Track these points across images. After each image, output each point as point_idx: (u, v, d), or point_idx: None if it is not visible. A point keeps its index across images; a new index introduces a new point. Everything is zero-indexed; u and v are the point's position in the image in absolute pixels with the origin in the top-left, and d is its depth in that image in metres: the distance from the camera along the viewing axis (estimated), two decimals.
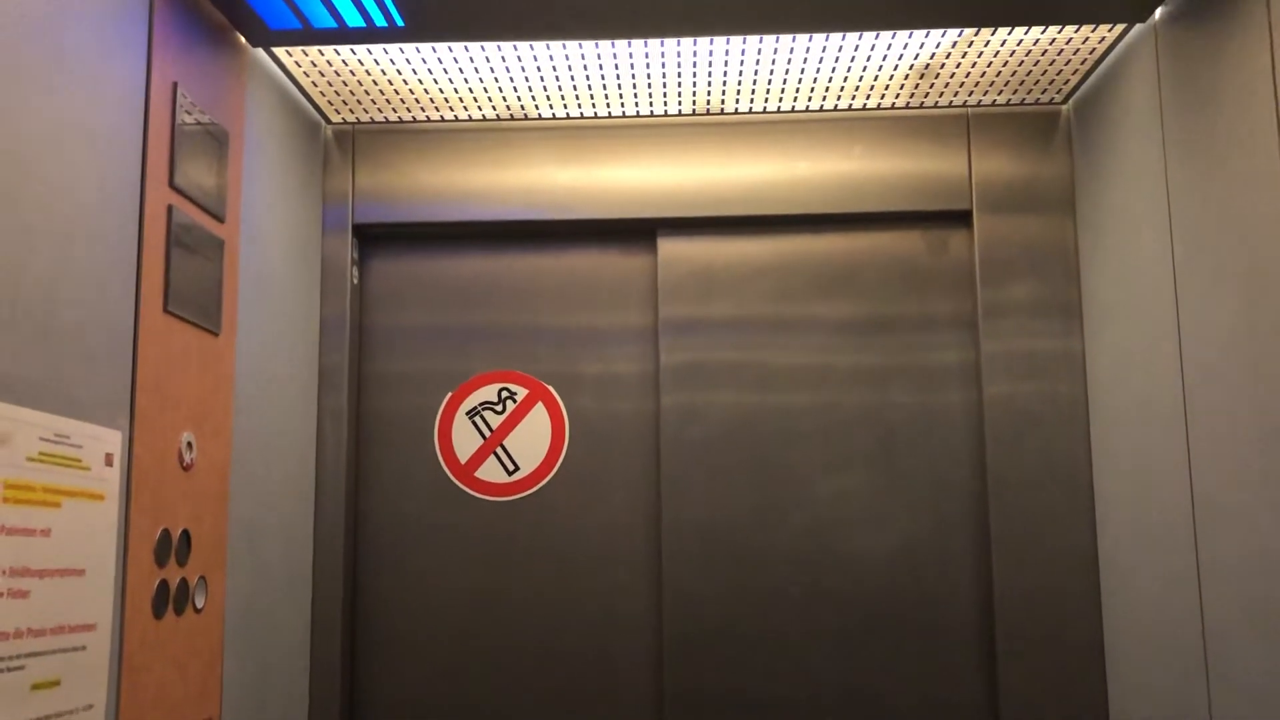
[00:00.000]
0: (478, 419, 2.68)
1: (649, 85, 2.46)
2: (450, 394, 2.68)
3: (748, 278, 2.65)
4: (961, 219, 2.61)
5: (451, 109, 2.58)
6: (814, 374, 2.61)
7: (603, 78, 2.42)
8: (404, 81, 2.43)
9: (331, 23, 2.08)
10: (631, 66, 2.36)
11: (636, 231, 2.68)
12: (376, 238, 2.70)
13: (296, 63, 2.34)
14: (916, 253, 2.65)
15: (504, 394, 2.68)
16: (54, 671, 1.46)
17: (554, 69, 2.37)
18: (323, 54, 2.30)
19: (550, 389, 2.67)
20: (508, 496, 2.64)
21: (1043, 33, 2.24)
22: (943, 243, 2.64)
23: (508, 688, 2.56)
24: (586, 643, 2.57)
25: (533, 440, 2.66)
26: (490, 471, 2.65)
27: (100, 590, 1.59)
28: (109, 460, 1.62)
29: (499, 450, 2.66)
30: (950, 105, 2.59)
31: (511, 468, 2.65)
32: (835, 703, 2.50)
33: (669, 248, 2.67)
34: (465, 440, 2.66)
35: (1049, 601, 2.43)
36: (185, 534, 1.85)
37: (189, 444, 1.87)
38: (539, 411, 2.67)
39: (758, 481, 2.58)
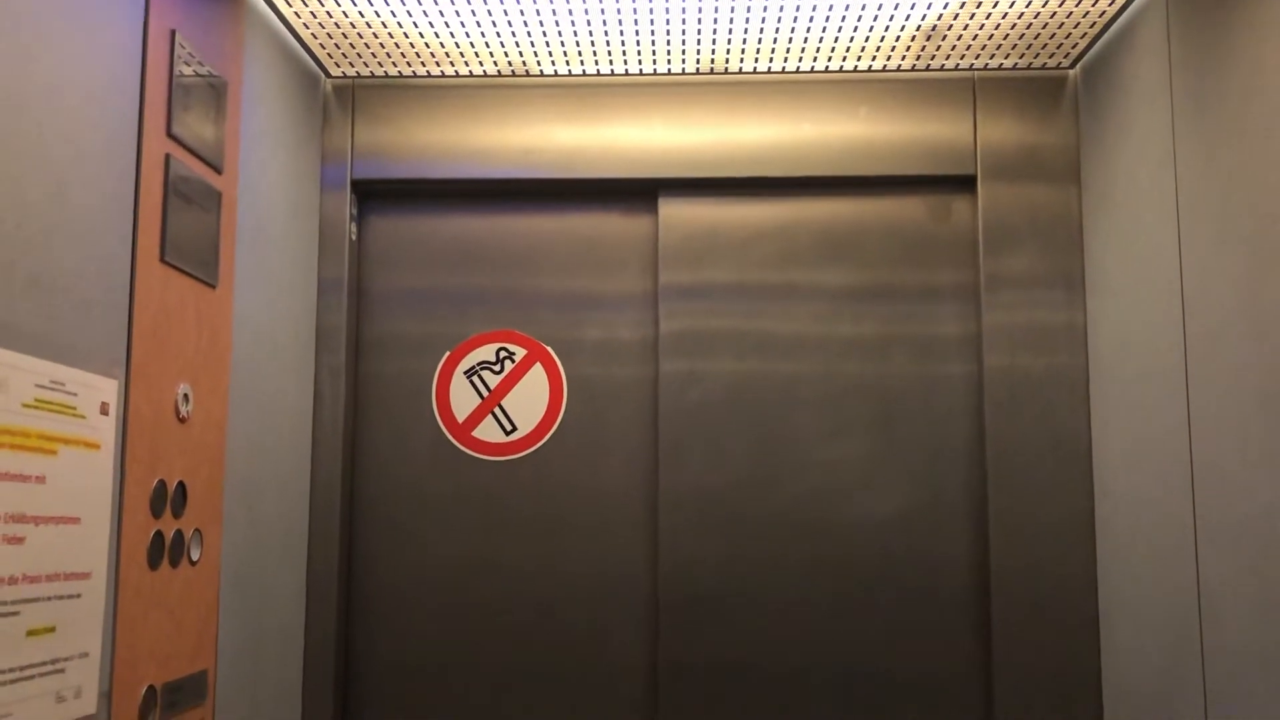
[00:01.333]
0: (475, 378, 2.66)
1: (653, 43, 2.43)
2: (448, 353, 2.67)
3: (749, 241, 2.63)
4: (966, 184, 2.59)
5: (453, 64, 2.55)
6: (814, 341, 2.60)
7: (606, 34, 2.39)
8: (405, 35, 2.40)
9: None
10: (635, 23, 2.33)
11: (638, 192, 2.66)
12: (375, 194, 2.68)
13: (296, 13, 2.31)
14: (920, 218, 2.63)
15: (502, 354, 2.67)
16: (49, 618, 1.46)
17: (557, 24, 2.34)
18: (323, 4, 2.27)
19: (549, 349, 2.66)
20: (505, 456, 2.64)
21: None
22: (946, 208, 2.63)
23: (501, 646, 2.57)
24: (581, 605, 2.58)
25: (531, 400, 2.65)
26: (488, 431, 2.65)
27: (96, 539, 1.58)
28: (104, 409, 1.61)
29: (497, 410, 2.65)
30: (956, 69, 2.57)
31: (509, 427, 2.64)
32: (830, 669, 2.51)
33: (670, 209, 2.65)
34: (463, 399, 2.66)
35: (1045, 571, 2.44)
36: (181, 486, 1.84)
37: (185, 396, 1.86)
38: (537, 372, 2.66)
39: (756, 448, 2.57)
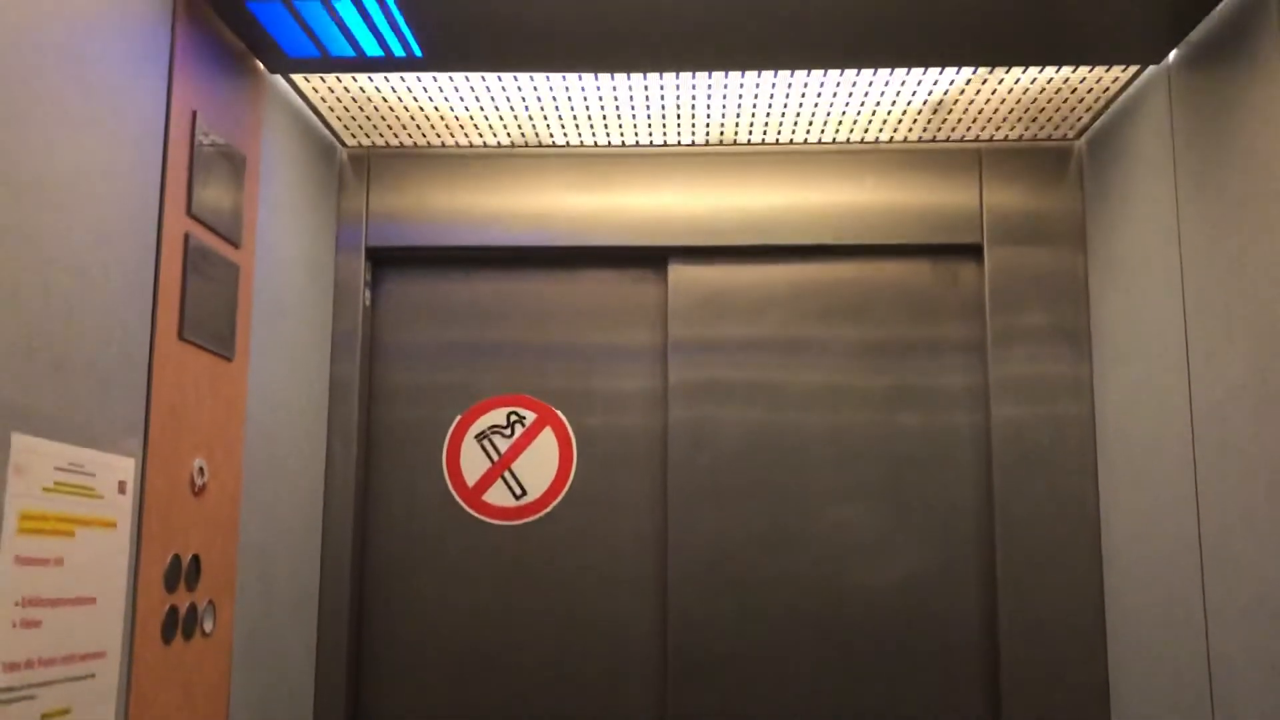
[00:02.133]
0: (486, 442, 2.68)
1: (663, 116, 2.47)
2: (459, 417, 2.69)
3: (758, 305, 2.66)
4: (972, 252, 2.62)
5: (466, 135, 2.59)
6: (823, 399, 2.62)
7: (617, 108, 2.43)
8: (419, 107, 2.45)
9: (350, 51, 2.10)
10: (646, 97, 2.38)
11: (648, 259, 2.69)
12: (390, 261, 2.71)
13: (314, 88, 2.36)
14: (927, 284, 2.65)
15: (512, 418, 2.69)
16: (64, 700, 1.47)
17: (569, 98, 2.39)
18: (339, 79, 2.32)
19: (559, 413, 2.68)
20: (515, 521, 2.65)
21: (1056, 72, 2.25)
22: (953, 275, 2.65)
23: (513, 711, 2.57)
24: (591, 666, 2.58)
25: (540, 464, 2.67)
26: (498, 495, 2.66)
27: (111, 617, 1.60)
28: (122, 488, 1.63)
29: (507, 474, 2.67)
30: (963, 140, 2.60)
31: (519, 492, 2.66)
32: None
33: (680, 274, 2.68)
34: (473, 464, 2.67)
35: (1054, 633, 2.43)
36: (195, 559, 1.86)
37: (201, 469, 1.88)
38: (547, 436, 2.68)
39: (764, 506, 2.58)
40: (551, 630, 2.59)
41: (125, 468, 1.64)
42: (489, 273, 2.73)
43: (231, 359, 2.01)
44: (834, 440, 2.60)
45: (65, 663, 1.47)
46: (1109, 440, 2.43)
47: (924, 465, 2.59)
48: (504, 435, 2.69)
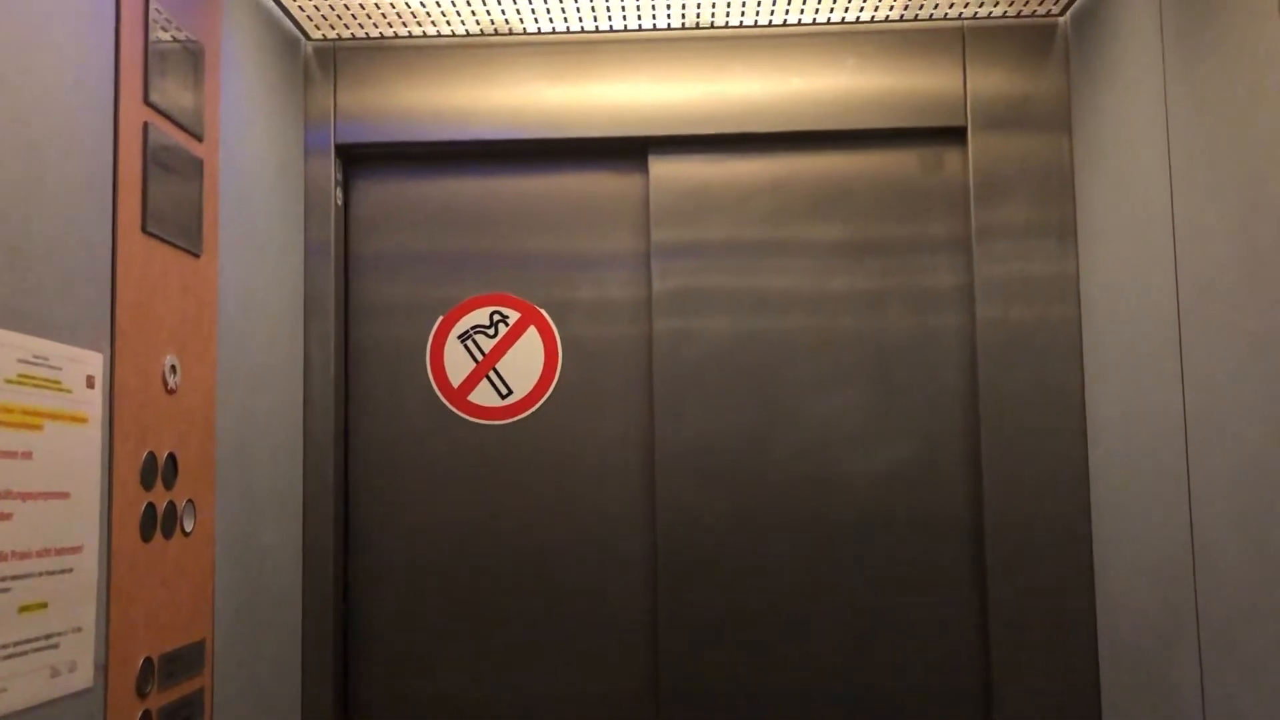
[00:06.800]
0: (469, 343, 2.65)
1: None
2: (441, 317, 2.66)
3: (741, 198, 2.61)
4: (956, 136, 2.56)
5: (434, 24, 2.51)
6: (808, 297, 2.59)
7: None
8: None
9: None
10: None
11: (627, 150, 2.63)
12: (360, 158, 2.65)
13: None
14: (911, 171, 2.61)
15: (496, 317, 2.66)
16: (41, 594, 1.45)
17: None
18: None
19: (542, 312, 2.65)
20: (501, 420, 2.63)
21: None
22: (937, 160, 2.60)
23: (501, 610, 2.58)
24: (580, 564, 2.58)
25: (525, 363, 2.64)
26: (483, 395, 2.64)
27: (86, 513, 1.57)
28: (90, 382, 1.59)
29: (492, 374, 2.64)
30: (945, 18, 2.53)
31: (504, 391, 2.64)
32: (828, 619, 2.52)
33: (661, 168, 2.62)
34: (457, 364, 2.65)
35: (1040, 520, 2.44)
36: (171, 457, 1.84)
37: (172, 367, 1.85)
38: (531, 335, 2.65)
39: (751, 404, 2.56)
40: (540, 530, 2.59)
41: (93, 362, 1.61)
42: (464, 170, 2.67)
43: (199, 256, 1.96)
44: (819, 339, 2.57)
45: (40, 556, 1.45)
46: (1094, 325, 2.40)
47: (909, 359, 2.56)
48: (487, 335, 2.66)
